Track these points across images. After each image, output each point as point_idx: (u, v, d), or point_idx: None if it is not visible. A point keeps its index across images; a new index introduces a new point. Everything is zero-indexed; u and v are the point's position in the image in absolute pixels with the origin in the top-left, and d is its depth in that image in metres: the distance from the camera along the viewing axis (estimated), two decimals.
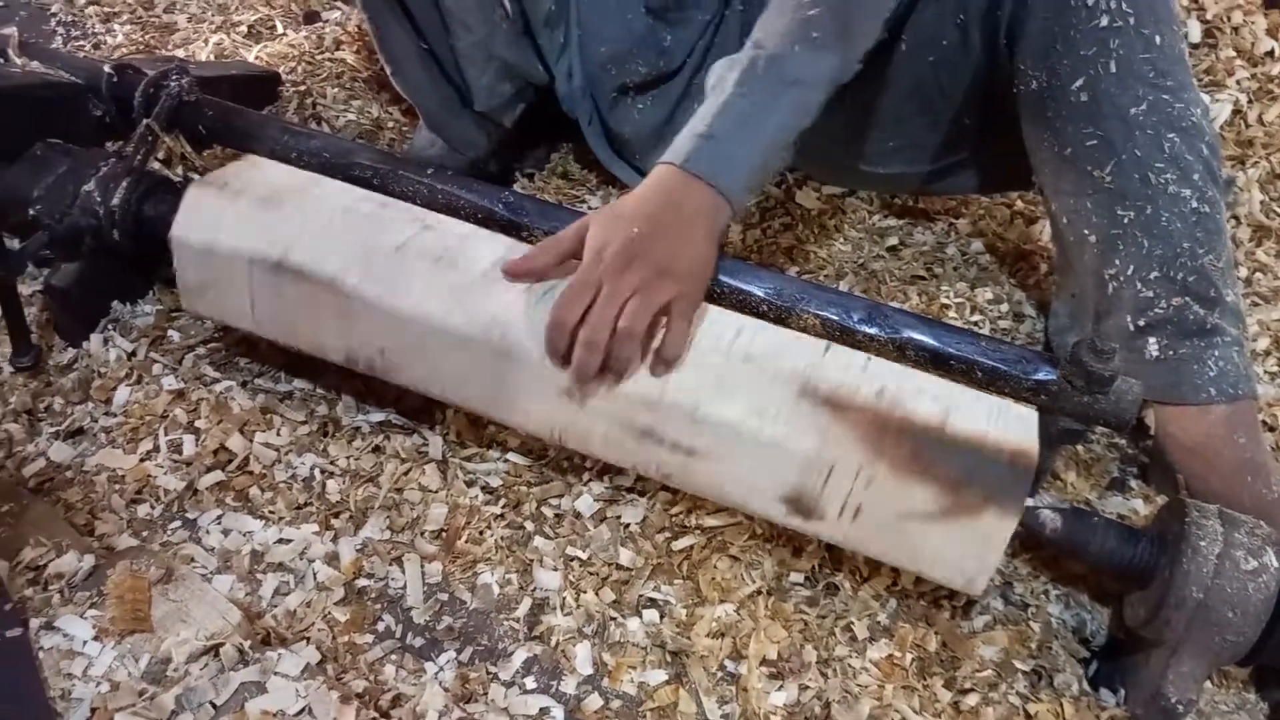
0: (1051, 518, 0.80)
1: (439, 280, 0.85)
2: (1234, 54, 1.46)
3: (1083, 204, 0.93)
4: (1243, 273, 1.27)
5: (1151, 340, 0.90)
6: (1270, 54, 1.46)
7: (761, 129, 0.84)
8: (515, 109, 1.21)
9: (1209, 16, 1.49)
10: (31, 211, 0.99)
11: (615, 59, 1.14)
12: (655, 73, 1.17)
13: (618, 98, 1.17)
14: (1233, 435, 0.90)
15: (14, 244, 1.01)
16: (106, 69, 1.10)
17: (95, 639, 0.71)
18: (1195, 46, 1.47)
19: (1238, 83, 1.44)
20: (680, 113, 1.20)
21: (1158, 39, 0.88)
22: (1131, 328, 0.91)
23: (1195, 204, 0.89)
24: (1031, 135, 0.97)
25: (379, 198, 0.95)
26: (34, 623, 0.73)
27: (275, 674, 0.71)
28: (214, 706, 0.68)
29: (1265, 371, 1.14)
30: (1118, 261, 0.91)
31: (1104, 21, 0.88)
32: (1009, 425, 0.78)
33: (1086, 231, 0.93)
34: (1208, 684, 0.85)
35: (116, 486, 0.93)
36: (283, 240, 0.89)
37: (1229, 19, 1.49)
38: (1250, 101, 1.43)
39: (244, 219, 0.91)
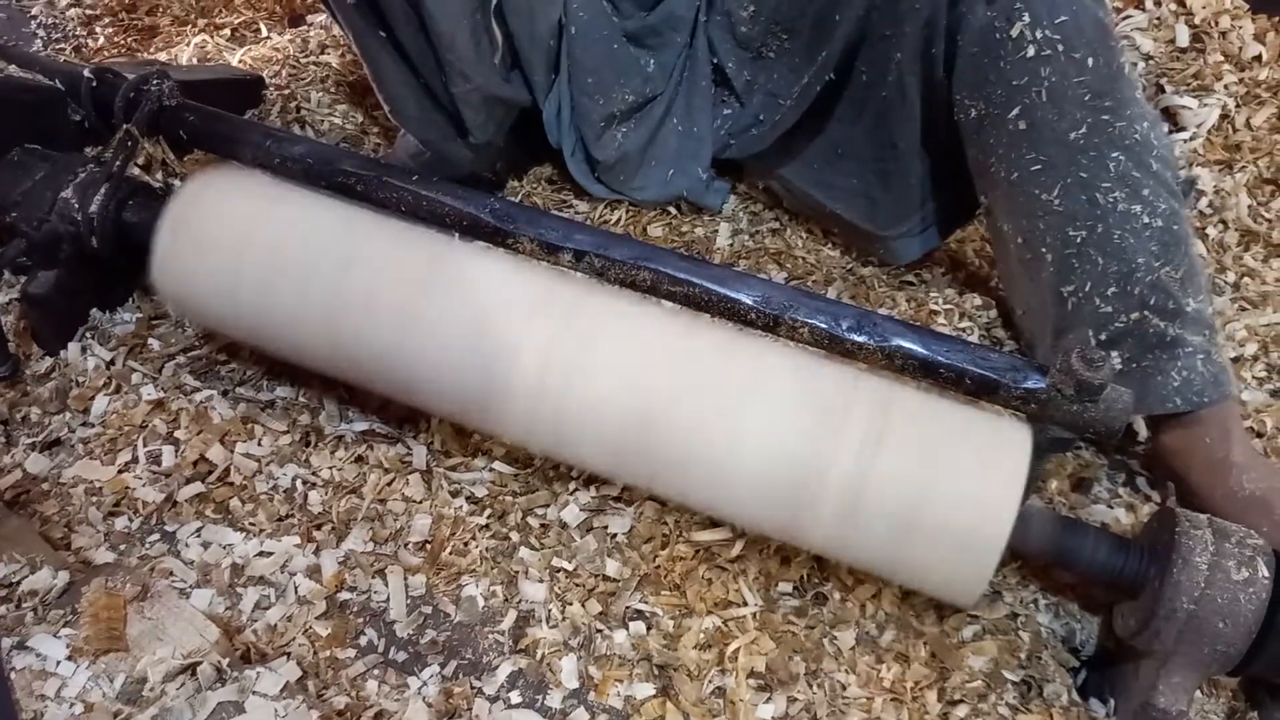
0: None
1: None
2: (1222, 58, 1.46)
3: (1035, 225, 0.94)
4: (1230, 277, 1.27)
5: (1114, 354, 0.90)
6: (1258, 58, 1.45)
7: None
8: (505, 129, 1.21)
9: (1197, 21, 1.49)
10: (8, 218, 0.98)
11: (602, 88, 1.16)
12: (640, 98, 1.19)
13: (604, 128, 1.19)
14: (1202, 437, 0.91)
15: None
16: (86, 73, 1.08)
17: (69, 659, 0.69)
18: (1183, 51, 1.47)
19: (1225, 87, 1.44)
20: (661, 134, 1.21)
21: (1090, 61, 0.89)
22: (1093, 342, 0.91)
23: (1147, 219, 0.89)
24: (977, 160, 0.99)
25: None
26: (6, 642, 0.71)
27: (254, 693, 0.69)
28: None
29: (1254, 377, 1.13)
30: (1074, 279, 0.92)
31: (1030, 52, 0.89)
32: (965, 550, 0.76)
33: (1044, 250, 0.94)
34: (1198, 694, 0.85)
35: (94, 499, 0.91)
36: None
37: (1216, 23, 1.48)
38: (1238, 106, 1.43)
39: None
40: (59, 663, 0.69)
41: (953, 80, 0.97)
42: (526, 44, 1.11)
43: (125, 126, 1.01)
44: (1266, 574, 0.74)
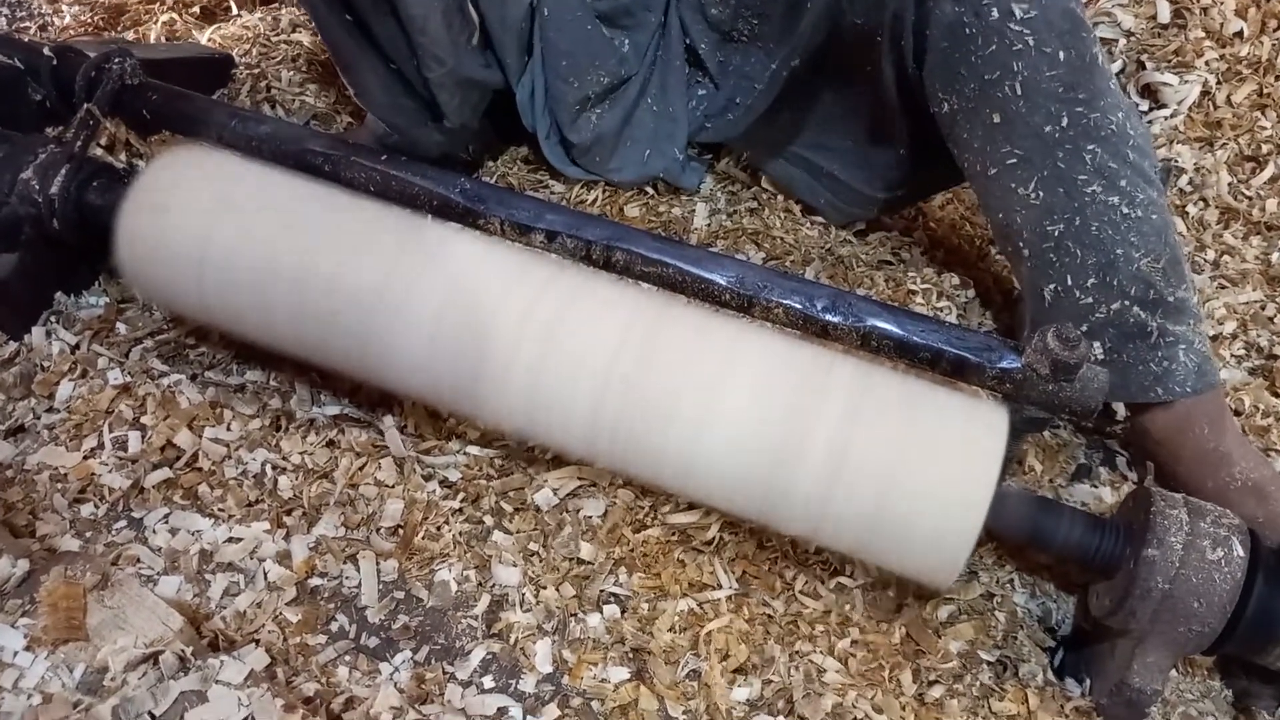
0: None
1: None
2: (1203, 34, 1.45)
3: (1013, 219, 0.93)
4: (1210, 255, 1.26)
5: (1096, 344, 0.90)
6: (1239, 34, 1.44)
7: None
8: (480, 112, 1.19)
9: None
10: None
11: (576, 71, 1.13)
12: (615, 80, 1.17)
13: (578, 111, 1.17)
14: (1192, 428, 0.90)
15: None
16: (46, 51, 1.06)
17: (27, 649, 0.68)
18: (1165, 27, 1.46)
19: (1206, 63, 1.43)
20: (637, 114, 1.20)
21: (1061, 54, 0.88)
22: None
23: (1125, 209, 0.88)
24: (955, 154, 0.98)
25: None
26: None
27: (217, 682, 0.68)
28: (152, 717, 0.66)
29: (1232, 355, 1.13)
30: (1053, 274, 0.91)
31: (1001, 46, 0.88)
32: (942, 531, 0.75)
33: (1021, 245, 0.93)
34: (1173, 672, 0.85)
35: (59, 485, 0.90)
36: None
37: (1198, 0, 1.48)
38: (1219, 83, 1.42)
39: None
40: (16, 653, 0.68)
41: (924, 74, 0.96)
42: (498, 27, 1.09)
43: (86, 106, 0.99)
44: (1241, 553, 0.74)
